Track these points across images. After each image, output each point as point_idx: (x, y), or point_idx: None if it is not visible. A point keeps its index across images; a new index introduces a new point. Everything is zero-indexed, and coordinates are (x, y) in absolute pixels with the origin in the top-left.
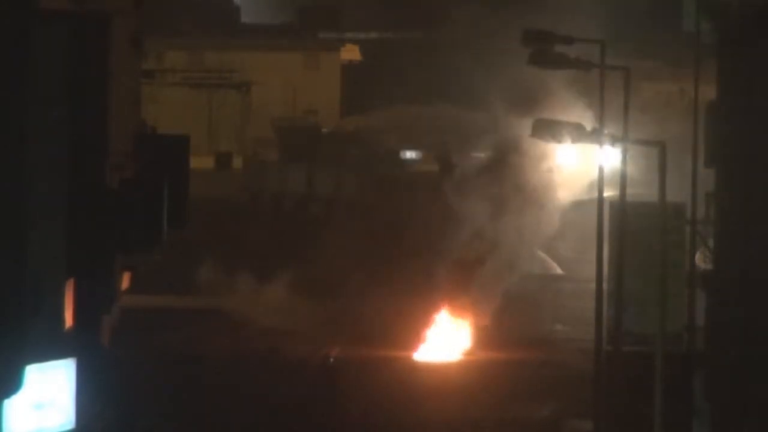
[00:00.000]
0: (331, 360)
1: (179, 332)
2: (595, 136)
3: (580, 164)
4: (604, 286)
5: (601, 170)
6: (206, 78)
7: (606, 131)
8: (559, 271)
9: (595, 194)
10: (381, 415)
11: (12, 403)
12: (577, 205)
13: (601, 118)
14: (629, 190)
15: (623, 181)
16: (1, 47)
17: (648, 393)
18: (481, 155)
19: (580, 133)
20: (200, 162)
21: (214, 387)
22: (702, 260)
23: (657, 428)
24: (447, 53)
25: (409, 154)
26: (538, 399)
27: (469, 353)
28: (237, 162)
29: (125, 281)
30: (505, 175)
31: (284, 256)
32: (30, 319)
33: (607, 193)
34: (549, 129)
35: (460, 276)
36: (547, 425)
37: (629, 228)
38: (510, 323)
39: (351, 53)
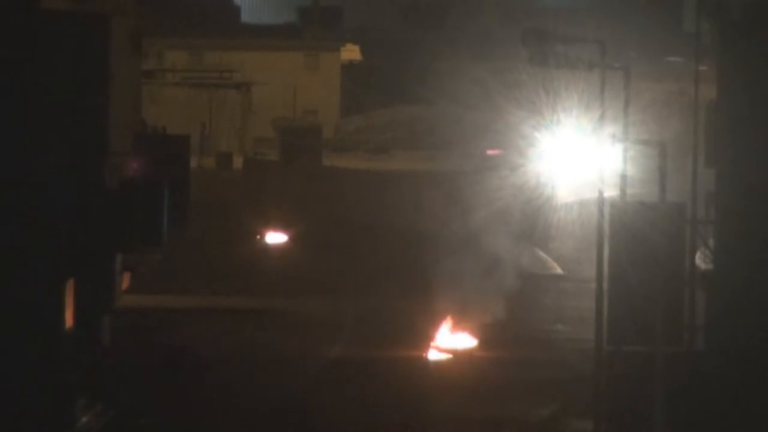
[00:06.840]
0: (331, 358)
1: (178, 332)
2: (595, 134)
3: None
4: (604, 285)
5: (601, 170)
6: (206, 78)
7: (606, 130)
8: (559, 270)
9: (596, 194)
10: (377, 414)
11: None
12: (578, 205)
13: (601, 118)
14: (630, 190)
15: (623, 181)
16: (3, 46)
17: (648, 393)
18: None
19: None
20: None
21: (213, 385)
22: (702, 260)
23: (657, 428)
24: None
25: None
26: (537, 399)
27: (467, 352)
28: (237, 162)
29: (125, 281)
30: (505, 174)
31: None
32: None
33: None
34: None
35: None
36: (547, 425)
37: (629, 228)
38: (509, 323)
39: (351, 53)
